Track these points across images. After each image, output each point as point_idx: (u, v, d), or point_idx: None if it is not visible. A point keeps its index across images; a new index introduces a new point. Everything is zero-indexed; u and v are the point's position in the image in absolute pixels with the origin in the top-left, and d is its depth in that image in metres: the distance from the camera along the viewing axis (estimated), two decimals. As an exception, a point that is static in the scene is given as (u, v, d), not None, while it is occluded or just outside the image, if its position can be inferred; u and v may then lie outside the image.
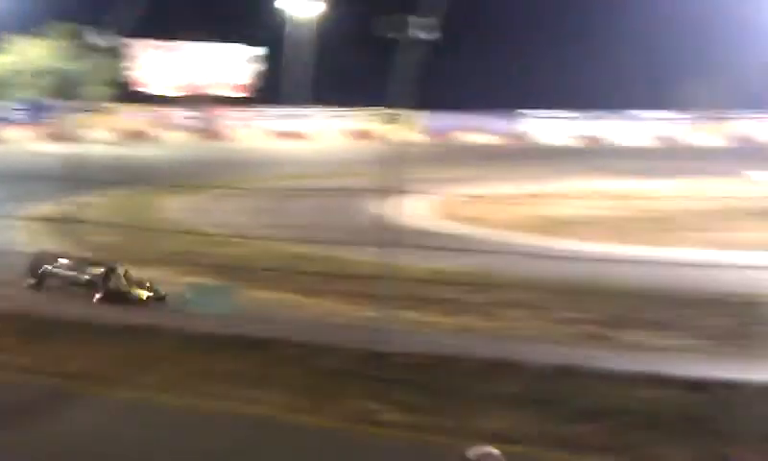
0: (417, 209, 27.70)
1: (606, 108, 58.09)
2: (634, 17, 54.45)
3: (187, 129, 57.97)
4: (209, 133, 58.13)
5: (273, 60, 61.85)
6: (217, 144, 55.10)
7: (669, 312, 15.10)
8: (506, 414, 10.08)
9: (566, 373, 11.39)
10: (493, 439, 9.45)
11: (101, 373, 11.42)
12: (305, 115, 59.28)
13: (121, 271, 16.32)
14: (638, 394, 10.68)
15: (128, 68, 58.61)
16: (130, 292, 16.09)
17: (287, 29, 62.29)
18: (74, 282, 16.48)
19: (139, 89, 59.16)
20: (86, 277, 16.43)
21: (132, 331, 13.19)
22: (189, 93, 60.18)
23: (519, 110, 59.64)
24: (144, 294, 16.08)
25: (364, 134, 54.70)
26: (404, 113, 14.22)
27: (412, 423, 10.00)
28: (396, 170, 13.48)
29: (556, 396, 10.59)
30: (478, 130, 60.27)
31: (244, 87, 62.26)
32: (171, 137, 55.87)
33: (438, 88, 43.61)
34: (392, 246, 13.81)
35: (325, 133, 59.57)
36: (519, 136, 59.85)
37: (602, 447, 9.41)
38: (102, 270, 16.39)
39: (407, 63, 13.37)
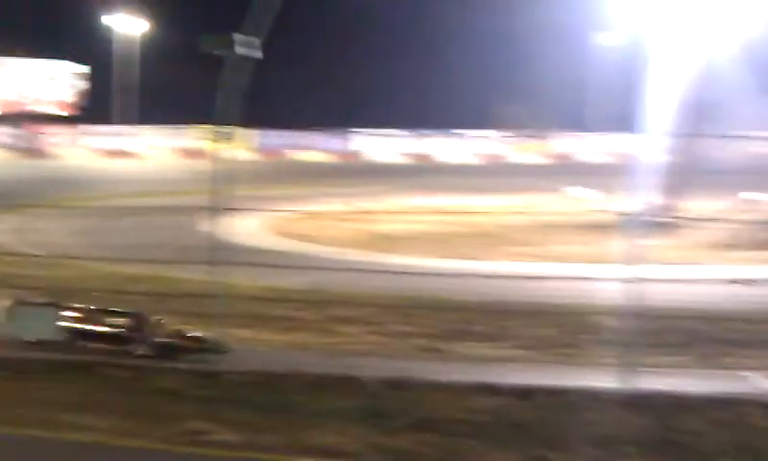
0: (248, 227, 27.46)
1: (435, 127, 59.59)
2: (458, 39, 56.08)
3: (7, 147, 55.52)
4: (32, 151, 55.88)
5: (100, 77, 60.21)
6: (40, 163, 52.98)
7: (496, 324, 15.52)
8: (339, 428, 10.14)
9: (400, 385, 11.56)
10: (326, 454, 9.53)
11: None
12: (134, 133, 57.84)
13: (154, 320, 13.70)
14: (469, 403, 10.97)
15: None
16: (173, 343, 13.44)
17: (114, 46, 60.79)
18: (90, 336, 13.69)
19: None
20: (109, 328, 13.67)
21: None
22: (10, 111, 57.70)
23: (351, 129, 60.29)
24: (190, 345, 13.43)
25: (194, 153, 53.87)
26: (235, 131, 14.14)
27: (244, 441, 9.90)
28: (226, 188, 13.36)
29: (390, 408, 10.73)
30: (310, 147, 60.50)
31: (68, 105, 60.25)
32: (-11, 156, 53.47)
33: (270, 106, 43.52)
34: (223, 264, 13.65)
35: (155, 152, 58.37)
36: (351, 154, 60.48)
37: (433, 456, 9.61)
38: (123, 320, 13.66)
39: (235, 81, 13.27)
